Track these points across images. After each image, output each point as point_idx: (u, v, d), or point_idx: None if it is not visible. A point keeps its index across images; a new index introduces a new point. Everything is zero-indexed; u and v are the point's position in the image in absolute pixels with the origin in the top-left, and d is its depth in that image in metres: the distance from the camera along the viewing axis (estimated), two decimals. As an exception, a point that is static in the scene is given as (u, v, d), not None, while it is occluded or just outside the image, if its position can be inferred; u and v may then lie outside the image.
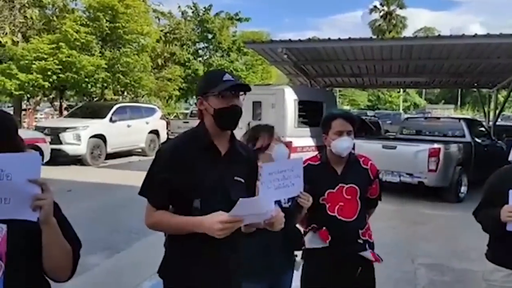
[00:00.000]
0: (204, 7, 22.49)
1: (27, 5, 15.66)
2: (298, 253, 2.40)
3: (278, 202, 2.03)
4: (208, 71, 1.89)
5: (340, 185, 2.32)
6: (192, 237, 1.61)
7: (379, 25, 49.62)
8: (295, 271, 2.38)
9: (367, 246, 2.36)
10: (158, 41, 19.70)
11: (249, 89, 1.73)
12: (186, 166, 1.66)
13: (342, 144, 2.27)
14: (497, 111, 15.05)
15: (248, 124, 9.32)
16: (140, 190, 1.73)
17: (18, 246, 1.28)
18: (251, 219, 1.57)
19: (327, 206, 2.31)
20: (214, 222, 1.52)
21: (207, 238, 1.55)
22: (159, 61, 20.59)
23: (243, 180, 1.75)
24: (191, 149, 1.69)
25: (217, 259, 1.67)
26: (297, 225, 2.34)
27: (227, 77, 1.71)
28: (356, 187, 2.33)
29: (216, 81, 1.70)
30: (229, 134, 1.77)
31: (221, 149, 1.74)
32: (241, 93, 1.74)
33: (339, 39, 9.85)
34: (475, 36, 9.23)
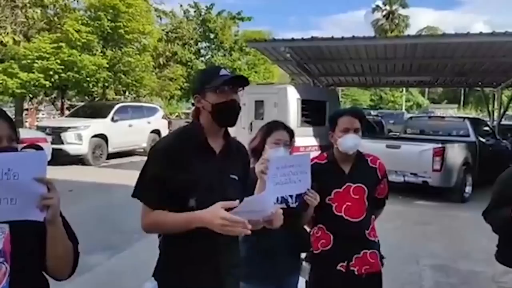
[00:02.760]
0: (206, 6, 22.51)
1: (28, 4, 15.64)
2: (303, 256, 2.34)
3: (285, 202, 1.97)
4: (203, 69, 1.85)
5: (347, 184, 2.25)
6: (187, 237, 1.56)
7: (382, 24, 49.45)
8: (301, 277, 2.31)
9: (374, 245, 2.31)
10: (159, 40, 19.68)
11: (247, 83, 1.69)
12: (180, 165, 1.60)
13: (348, 142, 2.21)
14: (502, 111, 14.96)
15: (251, 123, 9.28)
16: (133, 192, 1.65)
17: (23, 246, 1.25)
18: (250, 216, 1.51)
19: (334, 206, 2.25)
20: (216, 217, 1.45)
21: (203, 238, 1.51)
22: (161, 60, 20.58)
23: (237, 178, 1.70)
24: (185, 147, 1.64)
25: (213, 259, 1.63)
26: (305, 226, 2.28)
27: (223, 72, 1.67)
28: (364, 187, 2.26)
29: (212, 77, 1.65)
30: (223, 131, 1.72)
31: (215, 147, 1.68)
32: (240, 88, 1.69)
33: (343, 38, 9.79)
34: (480, 34, 9.17)
